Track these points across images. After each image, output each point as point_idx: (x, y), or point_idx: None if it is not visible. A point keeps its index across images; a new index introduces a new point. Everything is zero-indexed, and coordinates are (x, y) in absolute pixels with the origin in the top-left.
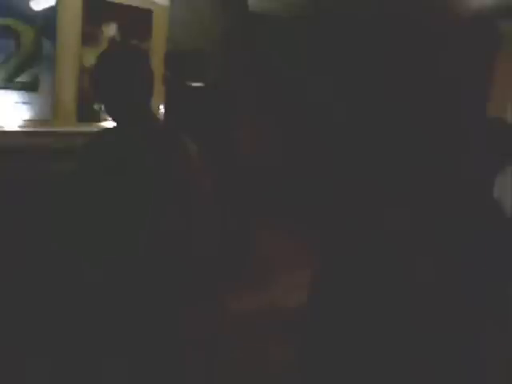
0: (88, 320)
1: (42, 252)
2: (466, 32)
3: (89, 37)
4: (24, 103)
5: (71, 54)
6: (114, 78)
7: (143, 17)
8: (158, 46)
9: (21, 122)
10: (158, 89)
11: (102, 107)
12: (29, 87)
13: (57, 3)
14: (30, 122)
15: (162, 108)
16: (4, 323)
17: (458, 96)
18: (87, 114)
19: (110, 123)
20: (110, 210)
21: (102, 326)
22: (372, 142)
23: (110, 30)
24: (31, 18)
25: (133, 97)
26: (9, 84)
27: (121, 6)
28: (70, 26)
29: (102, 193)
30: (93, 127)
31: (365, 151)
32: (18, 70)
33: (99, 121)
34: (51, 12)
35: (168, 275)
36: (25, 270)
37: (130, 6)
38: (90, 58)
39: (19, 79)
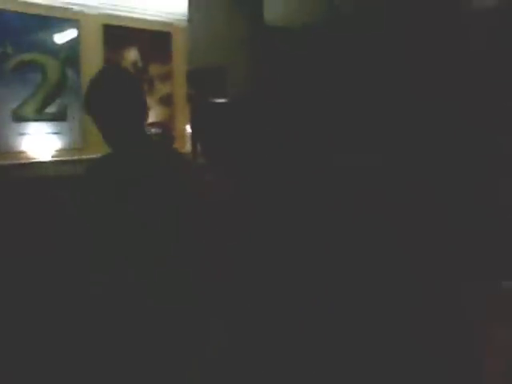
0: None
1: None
2: None
3: (111, 64)
4: (54, 133)
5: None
6: (106, 103)
7: (163, 39)
8: (179, 66)
9: (53, 152)
10: (184, 109)
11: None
12: (58, 117)
13: (78, 34)
14: (62, 151)
15: (188, 128)
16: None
17: None
18: None
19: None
20: (120, 233)
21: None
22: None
23: (132, 54)
24: (55, 51)
25: (127, 120)
26: (38, 115)
27: (139, 30)
28: (93, 55)
29: (108, 216)
30: None
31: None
32: (47, 102)
33: None
34: (74, 43)
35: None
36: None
37: (148, 30)
38: None
39: (48, 110)
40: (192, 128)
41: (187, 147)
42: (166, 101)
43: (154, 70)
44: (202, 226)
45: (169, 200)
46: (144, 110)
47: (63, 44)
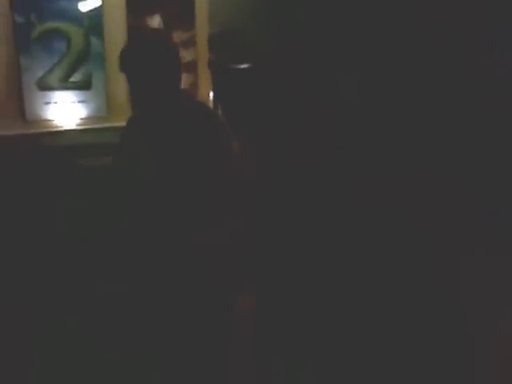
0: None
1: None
2: None
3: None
4: (79, 102)
5: (119, 49)
6: (140, 65)
7: (185, 5)
8: (202, 32)
9: (78, 121)
10: (208, 75)
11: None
12: (82, 86)
13: (102, 2)
14: (87, 119)
15: (211, 94)
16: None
17: None
18: None
19: None
20: (150, 186)
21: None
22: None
23: (154, 21)
24: (79, 19)
25: (161, 82)
26: (63, 84)
27: None
28: (116, 23)
29: (140, 169)
30: None
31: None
32: (71, 70)
33: None
34: (97, 11)
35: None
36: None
37: None
38: None
39: (73, 79)
40: (214, 94)
41: None
42: (190, 67)
43: (178, 36)
44: (233, 182)
45: (199, 151)
46: (178, 71)
47: (87, 12)
